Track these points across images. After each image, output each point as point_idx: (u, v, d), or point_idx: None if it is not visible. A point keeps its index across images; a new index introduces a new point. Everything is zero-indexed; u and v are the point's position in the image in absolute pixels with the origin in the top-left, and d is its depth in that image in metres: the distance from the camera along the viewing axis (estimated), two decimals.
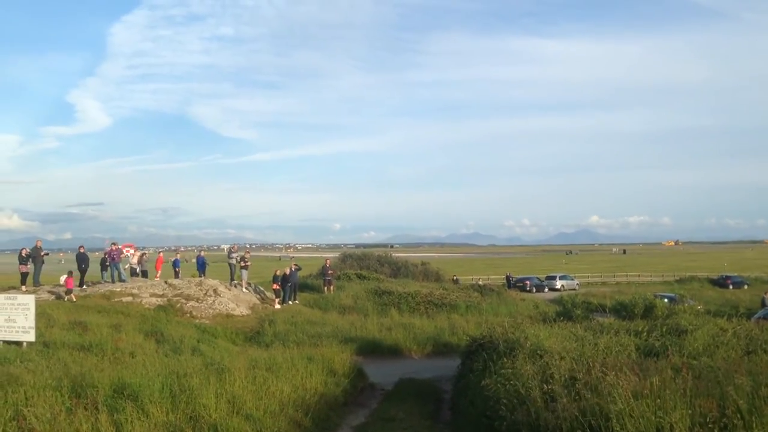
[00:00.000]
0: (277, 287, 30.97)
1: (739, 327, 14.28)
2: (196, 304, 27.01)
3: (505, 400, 9.47)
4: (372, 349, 23.19)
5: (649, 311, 25.31)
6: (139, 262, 32.78)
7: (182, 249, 36.94)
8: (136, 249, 36.97)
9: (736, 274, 68.70)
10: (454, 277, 57.70)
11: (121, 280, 28.84)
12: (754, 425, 6.86)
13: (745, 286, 59.34)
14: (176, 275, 31.73)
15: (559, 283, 59.93)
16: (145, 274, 32.31)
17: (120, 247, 31.93)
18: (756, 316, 27.21)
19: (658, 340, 12.87)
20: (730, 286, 59.79)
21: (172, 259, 34.36)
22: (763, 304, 34.12)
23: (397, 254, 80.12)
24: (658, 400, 7.60)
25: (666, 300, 31.84)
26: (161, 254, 35.66)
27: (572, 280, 63.01)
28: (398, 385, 17.46)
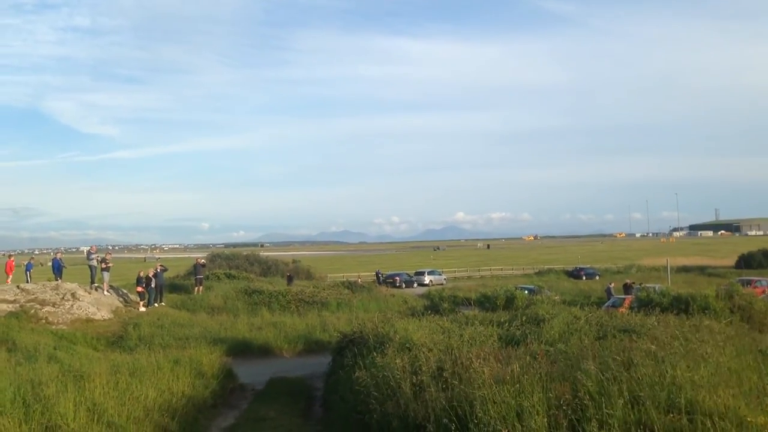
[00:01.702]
0: (142, 290, 29.78)
1: (590, 315, 15.29)
2: (53, 310, 25.43)
3: (375, 394, 9.64)
4: (242, 350, 22.82)
5: (510, 302, 26.45)
6: None
7: (37, 252, 34.57)
8: None
9: (588, 265, 73.38)
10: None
11: None
12: (603, 405, 7.38)
13: (597, 277, 63.46)
14: (28, 280, 29.73)
15: (427, 279, 61.46)
16: None
17: None
18: (606, 304, 29.15)
19: (519, 329, 13.51)
20: (584, 277, 63.77)
21: (24, 263, 32.16)
22: (608, 294, 36.68)
23: (267, 253, 79.32)
24: (518, 386, 8.02)
25: (526, 291, 33.40)
26: (12, 258, 33.26)
27: (440, 275, 64.81)
28: (269, 385, 17.31)
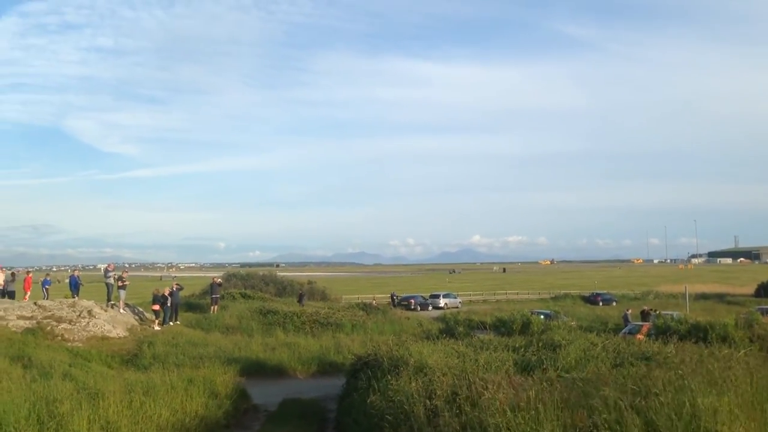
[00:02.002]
0: (157, 308, 29.89)
1: (607, 341, 15.11)
2: (69, 327, 25.58)
3: (388, 417, 9.57)
4: (256, 370, 22.79)
5: (526, 327, 26.30)
6: (6, 283, 30.74)
7: (54, 269, 34.89)
8: (3, 269, 34.61)
9: (605, 291, 72.73)
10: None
11: None
12: None
13: (614, 303, 62.83)
14: (45, 296, 29.96)
15: (442, 302, 61.13)
16: (12, 295, 30.32)
17: None
18: (623, 331, 28.83)
19: (535, 354, 13.40)
20: (600, 303, 63.16)
21: (42, 279, 32.42)
22: (625, 321, 36.30)
23: (282, 273, 79.38)
24: (533, 413, 7.93)
25: (542, 316, 33.19)
26: (30, 274, 33.55)
27: (455, 298, 64.49)
28: (282, 406, 17.24)
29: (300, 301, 44.19)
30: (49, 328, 25.14)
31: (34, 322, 25.38)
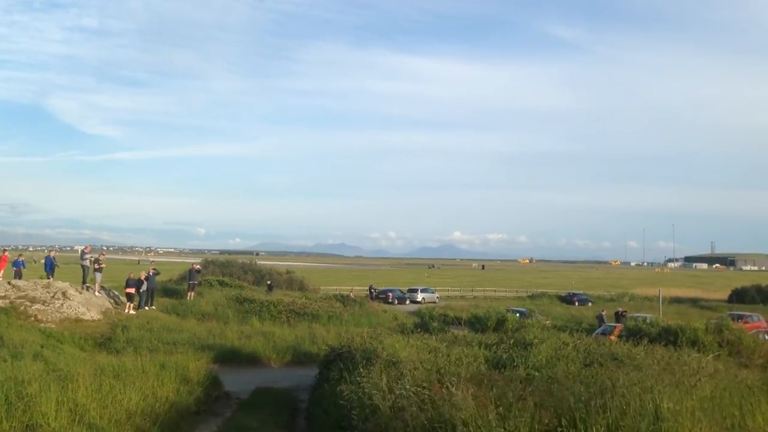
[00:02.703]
0: (131, 291, 29.66)
1: (579, 341, 15.30)
2: (42, 307, 25.38)
3: (357, 410, 9.62)
4: (230, 358, 22.79)
5: (500, 324, 26.37)
6: None
7: (31, 249, 34.38)
8: None
9: (581, 291, 73.33)
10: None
11: None
12: None
13: (590, 304, 63.37)
14: (18, 276, 29.61)
15: (420, 296, 61.27)
16: None
17: None
18: (596, 332, 29.13)
19: (506, 352, 13.52)
20: (576, 303, 63.66)
21: (14, 260, 31.96)
22: (599, 321, 36.67)
23: (262, 262, 79.18)
24: (501, 409, 8.02)
25: (517, 314, 33.38)
26: (6, 253, 33.11)
27: (433, 293, 64.65)
28: (254, 394, 17.26)
29: (269, 290, 43.75)
30: (22, 308, 24.93)
31: (8, 301, 25.16)
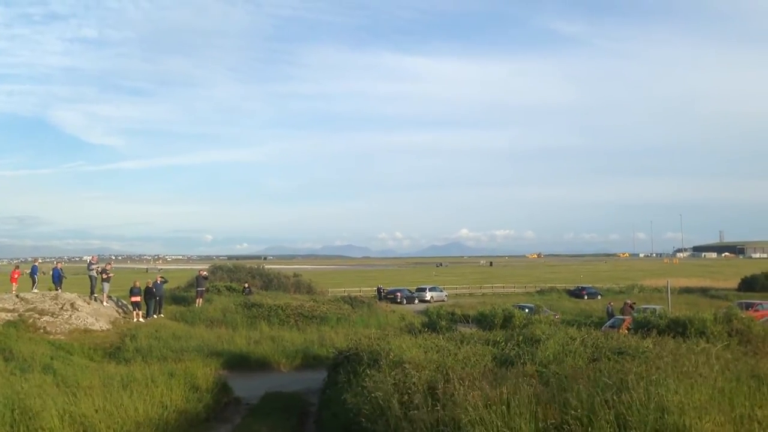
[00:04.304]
0: (136, 300, 29.69)
1: (586, 336, 15.18)
2: (51, 319, 25.47)
3: (365, 412, 9.61)
4: (240, 363, 22.83)
5: (508, 321, 26.30)
6: None
7: (40, 260, 34.58)
8: None
9: (590, 285, 73.06)
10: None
11: None
12: (590, 429, 7.34)
13: (599, 297, 63.06)
14: (33, 284, 29.84)
15: (428, 295, 61.18)
16: None
17: None
18: (605, 325, 29.02)
19: (514, 349, 13.44)
20: (585, 297, 63.41)
21: (30, 267, 32.15)
22: (608, 314, 36.54)
23: (270, 266, 79.25)
24: (505, 408, 7.99)
25: (526, 310, 33.27)
26: (18, 269, 33.19)
27: (441, 291, 64.55)
28: (264, 399, 17.27)
29: (247, 293, 41.50)
30: (31, 320, 25.02)
31: (16, 314, 25.26)
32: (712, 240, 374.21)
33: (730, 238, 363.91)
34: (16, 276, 31.10)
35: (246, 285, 44.62)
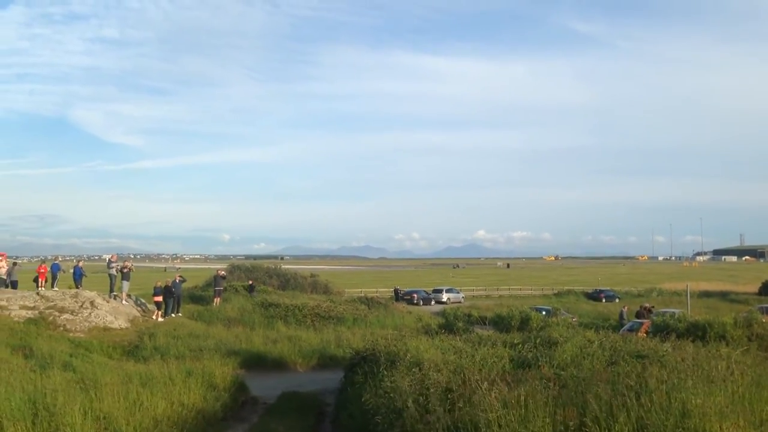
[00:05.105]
0: (159, 299, 30.00)
1: (604, 339, 15.10)
2: (71, 317, 25.71)
3: (382, 413, 9.61)
4: (257, 362, 22.91)
5: (525, 323, 26.28)
6: (9, 273, 30.84)
7: (59, 259, 34.86)
8: (6, 258, 34.65)
9: (608, 288, 72.60)
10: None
11: None
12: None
13: (617, 300, 62.70)
14: (53, 280, 30.14)
15: (445, 296, 61.14)
16: (14, 285, 30.42)
17: None
18: (624, 328, 28.82)
19: (531, 351, 13.39)
20: (603, 300, 63.03)
21: (51, 264, 32.44)
22: (621, 318, 36.32)
23: (287, 266, 79.56)
24: (523, 410, 7.96)
25: (543, 312, 33.14)
26: (44, 264, 33.50)
27: (458, 293, 64.47)
28: (280, 399, 17.30)
29: (250, 292, 41.73)
30: (51, 318, 25.27)
31: (37, 312, 25.51)
32: (733, 243, 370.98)
33: (750, 242, 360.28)
34: (43, 271, 31.38)
35: (250, 282, 44.38)
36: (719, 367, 10.96)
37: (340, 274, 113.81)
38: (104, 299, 29.01)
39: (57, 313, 25.76)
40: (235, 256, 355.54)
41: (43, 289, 29.13)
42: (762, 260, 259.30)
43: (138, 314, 29.85)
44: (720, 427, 7.45)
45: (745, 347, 15.77)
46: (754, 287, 72.43)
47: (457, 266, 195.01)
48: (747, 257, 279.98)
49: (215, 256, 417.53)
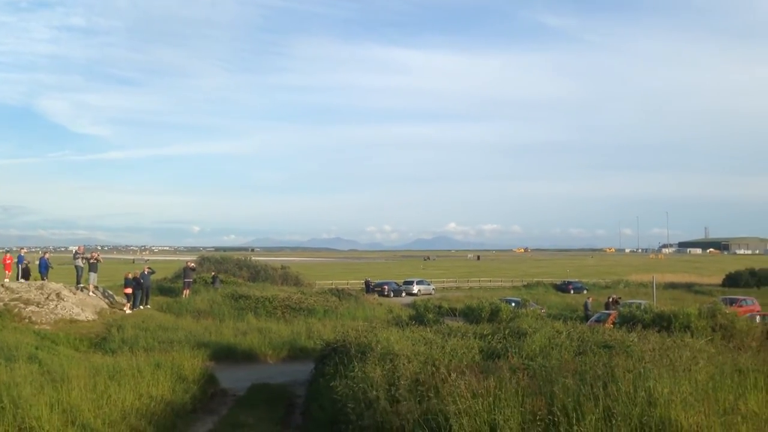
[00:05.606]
0: (129, 291, 29.65)
1: (572, 329, 15.31)
2: (36, 309, 25.30)
3: (352, 404, 9.63)
4: (226, 354, 22.75)
5: (495, 315, 26.34)
6: None
7: (25, 250, 34.30)
8: None
9: (576, 279, 73.53)
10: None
11: None
12: (576, 420, 7.41)
13: (585, 291, 63.46)
14: (19, 273, 29.64)
15: (416, 288, 61.39)
16: None
17: None
18: (591, 319, 29.19)
19: (500, 342, 13.50)
20: (571, 291, 63.89)
21: (17, 257, 31.87)
22: (585, 309, 36.82)
23: (257, 258, 79.08)
24: (493, 400, 8.05)
25: (512, 304, 33.38)
26: (8, 254, 32.87)
27: (428, 285, 64.79)
28: (250, 391, 17.23)
29: (213, 283, 40.63)
30: (16, 310, 24.86)
31: (1, 304, 25.09)
32: (697, 236, 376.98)
33: (714, 235, 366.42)
34: (8, 262, 30.77)
35: (213, 274, 43.43)
36: (684, 356, 11.19)
37: (310, 266, 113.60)
38: (71, 291, 28.58)
39: (22, 305, 25.34)
40: (204, 248, 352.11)
41: (8, 280, 28.62)
42: (726, 252, 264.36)
43: (106, 306, 29.48)
44: (685, 415, 7.60)
45: (709, 337, 16.08)
46: (718, 279, 73.89)
47: (428, 258, 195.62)
48: (711, 249, 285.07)
49: (185, 247, 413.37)
